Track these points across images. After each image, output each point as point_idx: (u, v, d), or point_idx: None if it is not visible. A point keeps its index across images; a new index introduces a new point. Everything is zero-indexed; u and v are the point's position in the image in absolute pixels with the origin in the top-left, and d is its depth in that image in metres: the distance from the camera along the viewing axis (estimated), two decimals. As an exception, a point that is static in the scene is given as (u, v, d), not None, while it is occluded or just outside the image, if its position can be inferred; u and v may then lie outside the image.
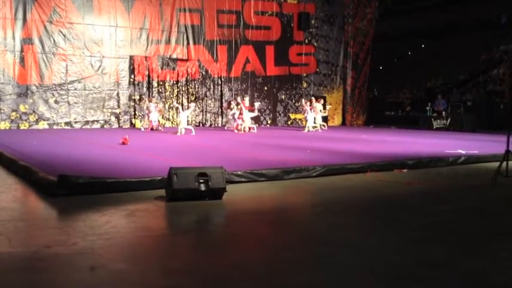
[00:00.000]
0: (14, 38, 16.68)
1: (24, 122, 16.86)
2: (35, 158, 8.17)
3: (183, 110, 16.43)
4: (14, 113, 16.69)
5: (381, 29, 23.99)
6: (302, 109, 18.88)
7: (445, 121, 20.35)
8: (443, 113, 20.74)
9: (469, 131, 18.55)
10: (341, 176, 7.83)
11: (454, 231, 4.81)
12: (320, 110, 19.02)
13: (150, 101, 17.18)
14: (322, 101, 20.24)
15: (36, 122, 17.05)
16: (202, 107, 20.38)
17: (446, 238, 4.52)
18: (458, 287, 3.28)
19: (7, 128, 16.46)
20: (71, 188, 5.84)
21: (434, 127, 20.49)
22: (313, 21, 22.93)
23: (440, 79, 25.10)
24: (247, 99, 17.20)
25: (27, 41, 16.87)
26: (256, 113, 17.93)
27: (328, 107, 21.46)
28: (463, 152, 10.58)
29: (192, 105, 17.29)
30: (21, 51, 16.81)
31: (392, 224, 5.01)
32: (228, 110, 18.57)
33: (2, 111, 16.52)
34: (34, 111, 17.02)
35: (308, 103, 18.60)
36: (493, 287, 3.31)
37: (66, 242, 4.06)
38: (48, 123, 17.21)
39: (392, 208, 5.82)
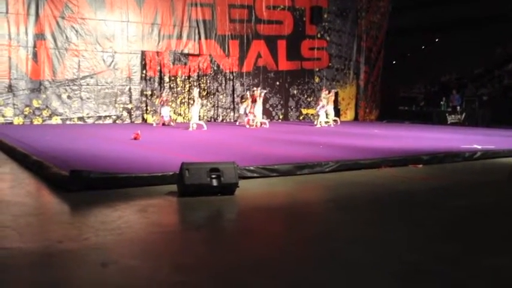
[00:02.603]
0: (26, 33, 16.75)
1: (38, 117, 16.96)
2: (47, 153, 8.18)
3: (198, 98, 15.94)
4: (27, 108, 16.79)
5: (395, 23, 23.71)
6: (318, 102, 18.61)
7: (459, 116, 20.09)
8: (458, 107, 20.48)
9: (484, 126, 18.28)
10: (354, 172, 7.73)
11: (470, 227, 4.70)
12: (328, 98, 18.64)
13: (160, 96, 17.30)
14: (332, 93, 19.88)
15: (50, 117, 17.14)
16: (214, 102, 20.34)
17: (463, 234, 4.42)
18: (475, 283, 3.19)
19: (20, 123, 16.57)
20: (83, 183, 5.83)
21: (448, 122, 20.24)
22: (325, 15, 22.72)
23: (455, 73, 24.75)
24: (257, 92, 16.97)
25: (39, 36, 16.94)
26: (262, 97, 17.14)
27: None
28: (479, 147, 10.40)
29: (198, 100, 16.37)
30: (34, 46, 16.88)
31: (407, 220, 4.91)
32: (241, 105, 18.49)
33: (15, 106, 16.63)
34: (47, 107, 17.11)
35: (327, 92, 18.47)
36: (510, 284, 3.21)
37: (78, 237, 4.04)
38: (61, 119, 17.30)
39: (407, 204, 5.72)
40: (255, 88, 18.14)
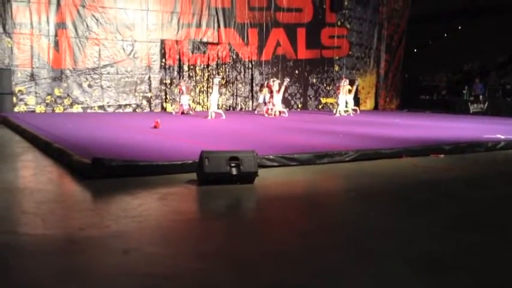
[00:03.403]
0: (48, 22, 16.92)
1: (59, 105, 17.18)
2: (69, 141, 8.29)
3: (217, 85, 15.88)
4: (49, 97, 17.01)
5: (416, 10, 23.27)
6: (337, 90, 18.47)
7: (482, 105, 19.73)
8: (481, 97, 20.09)
9: (507, 116, 17.91)
10: (375, 161, 7.66)
11: (494, 218, 4.62)
12: (349, 90, 18.50)
13: (179, 84, 17.36)
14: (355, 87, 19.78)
15: (71, 105, 17.35)
16: (233, 90, 20.32)
17: (487, 225, 4.34)
18: (498, 276, 3.13)
19: (42, 111, 16.81)
20: (105, 170, 5.88)
21: (471, 111, 19.90)
22: (346, 3, 22.43)
23: (478, 62, 24.24)
24: (276, 82, 16.90)
25: (61, 25, 17.09)
26: (283, 88, 17.11)
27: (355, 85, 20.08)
28: (502, 137, 10.20)
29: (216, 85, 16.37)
30: (56, 35, 17.05)
31: (429, 211, 4.84)
32: (260, 93, 18.45)
33: (37, 95, 16.86)
34: (68, 95, 17.31)
35: (347, 81, 18.32)
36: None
37: (99, 224, 4.08)
38: (82, 107, 17.50)
39: (429, 194, 5.64)
40: (274, 78, 18.07)
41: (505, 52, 23.11)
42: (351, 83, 19.07)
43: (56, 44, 17.08)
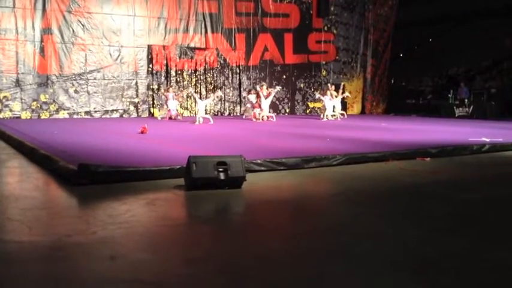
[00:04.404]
0: (33, 28, 16.80)
1: (45, 111, 17.03)
2: (55, 147, 8.21)
3: (201, 99, 16.40)
4: (34, 103, 16.87)
5: (402, 16, 23.52)
6: (323, 95, 18.64)
7: (467, 109, 19.95)
8: (466, 100, 20.33)
9: (492, 119, 18.14)
10: (362, 165, 7.70)
11: (481, 220, 4.66)
12: (335, 96, 18.69)
13: (167, 91, 17.24)
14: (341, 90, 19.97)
15: (57, 111, 17.22)
16: (221, 95, 20.31)
17: (474, 228, 4.38)
18: (486, 278, 3.16)
19: (28, 117, 16.66)
20: (91, 176, 5.83)
21: (456, 115, 20.11)
22: (332, 8, 22.60)
23: (463, 66, 24.56)
24: (264, 87, 17.00)
25: (46, 31, 16.99)
26: (272, 94, 17.38)
27: (346, 94, 20.73)
28: (488, 140, 10.32)
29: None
30: (41, 41, 16.94)
31: (415, 214, 4.88)
32: (248, 97, 18.49)
33: (23, 101, 16.71)
34: (54, 101, 17.19)
35: (333, 87, 18.53)
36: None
37: (86, 230, 4.04)
38: (68, 113, 17.37)
39: (416, 197, 5.69)
40: (263, 83, 18.15)
41: (490, 56, 23.44)
42: (336, 88, 19.22)
43: (42, 49, 16.96)
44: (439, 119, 19.00)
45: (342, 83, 20.65)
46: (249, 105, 18.05)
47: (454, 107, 20.45)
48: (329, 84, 19.46)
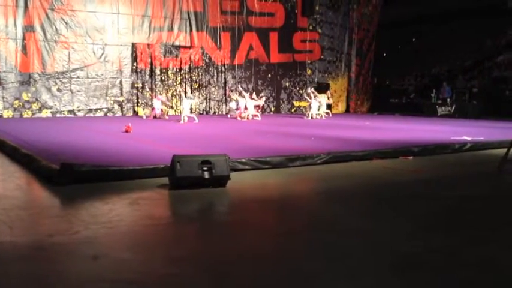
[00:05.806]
0: (15, 25, 16.57)
1: (27, 110, 16.82)
2: (37, 146, 8.13)
3: (186, 97, 16.36)
4: (16, 101, 16.64)
5: (386, 15, 23.72)
6: (307, 96, 18.80)
7: (450, 108, 20.20)
8: (448, 99, 20.57)
9: (474, 118, 18.40)
10: (346, 164, 7.76)
11: (462, 218, 4.74)
12: (326, 100, 19.01)
13: (155, 97, 17.28)
14: (327, 92, 20.25)
15: (39, 110, 17.01)
16: (206, 94, 20.28)
17: (455, 225, 4.45)
18: (467, 274, 3.22)
19: (10, 116, 16.43)
20: (74, 176, 5.79)
21: (439, 114, 20.35)
22: (317, 8, 22.68)
23: (446, 66, 24.85)
24: (254, 94, 17.68)
25: (29, 28, 16.76)
26: (261, 102, 18.05)
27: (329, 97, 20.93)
28: (469, 138, 10.48)
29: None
30: (23, 39, 16.71)
31: (398, 212, 4.94)
32: (232, 97, 18.53)
33: (4, 99, 16.48)
34: (37, 100, 16.98)
35: (313, 90, 18.73)
36: (503, 274, 3.25)
37: (68, 230, 4.02)
38: (51, 112, 17.17)
39: (399, 195, 5.75)
40: (252, 92, 18.58)
41: (472, 56, 23.76)
42: (324, 89, 19.50)
43: (24, 47, 16.73)
44: (421, 118, 19.21)
45: (329, 91, 20.81)
46: (233, 104, 18.06)
47: (437, 106, 20.68)
48: (312, 88, 19.56)
